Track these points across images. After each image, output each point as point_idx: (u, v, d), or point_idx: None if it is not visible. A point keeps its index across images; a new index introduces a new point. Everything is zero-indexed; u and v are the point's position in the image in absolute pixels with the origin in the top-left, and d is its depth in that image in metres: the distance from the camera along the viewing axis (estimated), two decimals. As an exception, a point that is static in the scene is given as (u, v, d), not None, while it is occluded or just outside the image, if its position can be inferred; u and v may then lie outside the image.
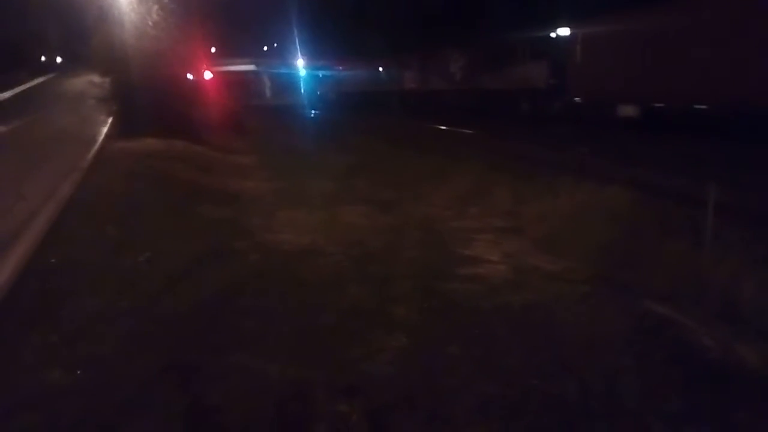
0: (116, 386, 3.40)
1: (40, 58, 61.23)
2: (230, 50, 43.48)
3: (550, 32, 20.97)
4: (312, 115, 31.01)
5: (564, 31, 20.12)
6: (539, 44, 21.77)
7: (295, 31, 41.82)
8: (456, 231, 7.06)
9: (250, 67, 43.98)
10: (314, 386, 3.37)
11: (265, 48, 51.93)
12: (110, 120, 17.32)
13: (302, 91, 42.21)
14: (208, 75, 34.66)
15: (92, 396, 3.29)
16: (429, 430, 3.04)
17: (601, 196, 7.14)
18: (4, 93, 37.53)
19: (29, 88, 42.94)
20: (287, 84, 43.56)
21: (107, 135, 15.63)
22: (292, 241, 6.62)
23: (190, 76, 22.05)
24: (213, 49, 41.57)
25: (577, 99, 18.83)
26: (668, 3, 14.61)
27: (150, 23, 15.90)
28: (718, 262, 4.79)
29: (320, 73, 43.24)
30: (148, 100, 15.22)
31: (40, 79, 49.75)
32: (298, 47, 42.67)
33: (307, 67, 43.78)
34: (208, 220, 7.39)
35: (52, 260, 5.55)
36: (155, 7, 16.00)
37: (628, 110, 15.92)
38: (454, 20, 31.09)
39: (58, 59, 65.46)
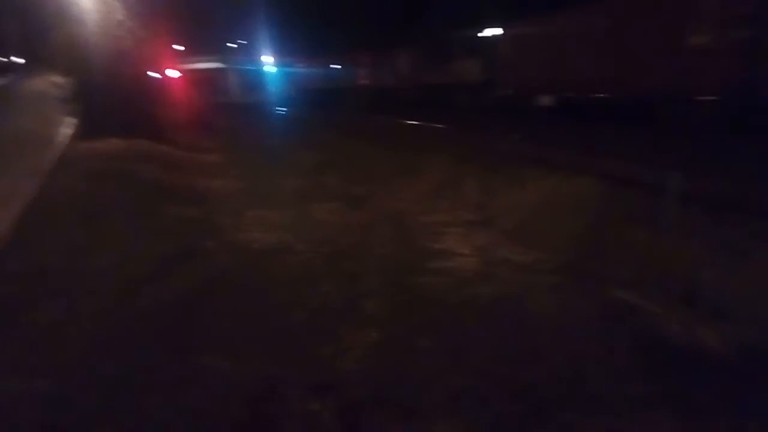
0: (81, 391, 3.33)
1: (1, 58, 59.45)
2: (196, 48, 42.77)
3: (483, 32, 23.61)
4: (278, 112, 30.85)
5: (494, 32, 22.75)
6: (474, 43, 24.27)
7: (262, 29, 41.52)
8: (418, 214, 7.10)
9: (217, 65, 43.35)
10: (285, 385, 3.36)
11: (232, 45, 51.26)
12: (73, 121, 16.89)
13: (269, 88, 41.91)
14: (174, 73, 34.14)
15: (53, 403, 3.22)
16: (402, 425, 3.05)
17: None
18: (-38, 95, 36.39)
19: (-12, 90, 41.71)
20: (254, 81, 43.10)
21: (70, 136, 15.25)
22: (262, 239, 6.57)
23: (155, 75, 21.68)
24: (179, 47, 40.96)
25: (506, 91, 21.39)
26: (574, 10, 17.28)
27: (113, 21, 15.56)
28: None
29: (286, 71, 43.38)
30: (112, 100, 14.89)
31: (0, 81, 48.38)
32: (265, 44, 42.32)
33: (274, 64, 43.55)
34: (176, 220, 7.28)
35: (13, 265, 5.41)
36: (118, 5, 15.66)
37: (546, 100, 18.81)
38: (402, 20, 33.67)
39: (18, 60, 63.68)
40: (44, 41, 17.65)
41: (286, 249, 6.19)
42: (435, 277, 5.17)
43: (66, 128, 16.61)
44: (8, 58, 61.90)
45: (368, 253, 6.00)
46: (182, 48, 41.24)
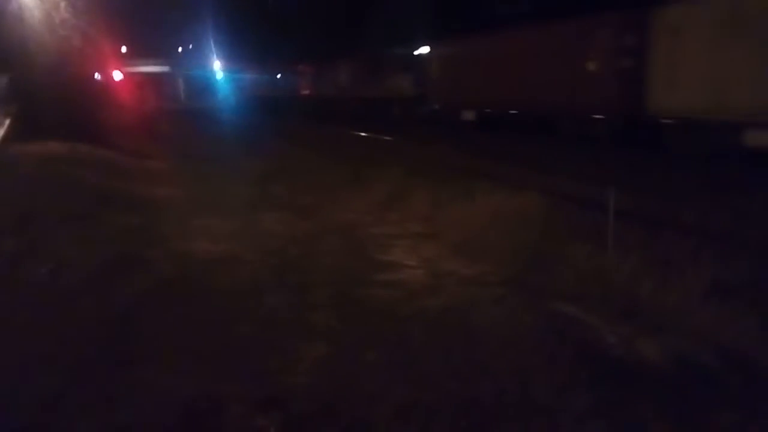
0: (12, 410, 3.17)
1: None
2: (142, 50, 41.78)
3: (414, 50, 25.55)
4: (224, 118, 30.43)
5: (424, 50, 24.75)
6: (407, 59, 26.20)
7: (211, 34, 41.08)
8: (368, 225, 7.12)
9: (164, 69, 42.41)
10: (229, 400, 3.28)
11: (180, 49, 50.22)
12: (8, 122, 16.15)
13: (217, 93, 41.34)
14: (117, 75, 33.17)
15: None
16: (349, 439, 3.03)
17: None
18: None
19: None
20: (201, 86, 42.39)
21: (3, 137, 14.57)
22: (207, 249, 6.43)
23: (98, 77, 21.03)
24: (124, 49, 39.86)
25: (435, 106, 23.26)
26: (490, 34, 19.70)
27: (55, 19, 14.99)
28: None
29: (233, 77, 43.09)
30: (51, 102, 14.31)
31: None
32: (213, 50, 41.78)
33: (222, 70, 43.02)
34: (117, 228, 7.05)
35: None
36: (61, 2, 15.11)
37: (468, 115, 20.73)
38: (343, 35, 35.76)
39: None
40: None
41: (232, 259, 6.08)
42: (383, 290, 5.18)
43: None
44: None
45: (317, 264, 5.96)
46: (128, 50, 40.21)
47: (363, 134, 19.82)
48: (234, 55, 41.42)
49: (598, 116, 14.82)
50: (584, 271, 5.09)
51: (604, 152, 13.08)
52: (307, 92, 38.54)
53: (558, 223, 6.44)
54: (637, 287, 4.62)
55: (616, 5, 14.19)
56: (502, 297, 4.86)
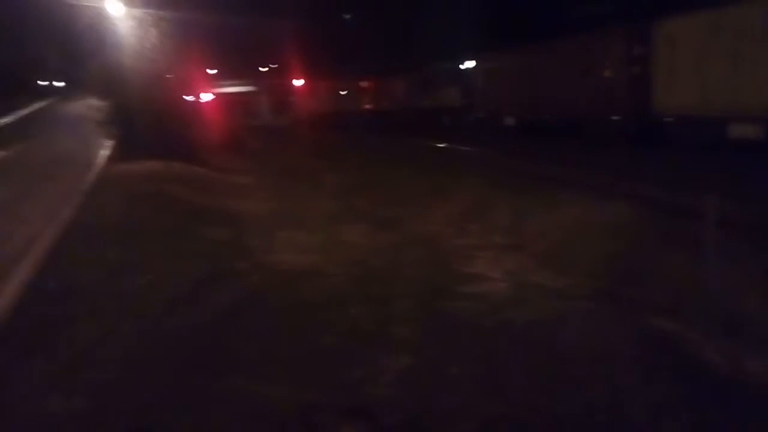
0: (119, 411, 3.36)
1: (40, 82, 61.59)
2: (228, 71, 43.73)
3: (461, 64, 28.64)
4: (302, 133, 31.38)
5: (470, 64, 27.51)
6: (455, 73, 29.30)
7: (291, 54, 42.75)
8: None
9: (249, 88, 44.19)
10: (317, 409, 3.34)
11: (264, 69, 52.25)
12: (110, 143, 17.36)
13: (296, 110, 42.83)
14: (206, 96, 34.89)
15: (93, 422, 3.26)
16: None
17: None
18: (5, 118, 37.72)
19: (30, 113, 43.13)
20: (285, 104, 43.87)
21: (108, 158, 15.65)
22: (293, 261, 6.60)
23: (189, 98, 22.20)
24: (212, 71, 41.90)
25: (480, 114, 25.69)
26: (525, 49, 21.88)
27: (148, 46, 16.01)
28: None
29: (309, 94, 44.88)
30: (147, 123, 15.27)
31: (41, 104, 49.99)
32: (295, 68, 43.25)
33: (300, 87, 44.49)
34: (209, 241, 7.38)
35: (51, 285, 5.52)
36: (153, 30, 16.13)
37: (509, 121, 23.07)
38: (399, 53, 38.55)
39: (58, 83, 65.85)
40: (83, 66, 18.21)
41: (316, 271, 6.21)
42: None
43: (103, 150, 17.07)
44: (49, 82, 64.14)
45: (399, 276, 5.97)
46: (215, 71, 42.24)
47: (430, 143, 20.53)
48: (311, 74, 43.08)
49: (615, 117, 16.62)
50: (680, 282, 4.81)
51: (636, 151, 14.41)
52: (369, 107, 41.74)
53: (648, 232, 6.14)
54: (741, 300, 4.32)
55: (627, 18, 16.85)
56: (591, 310, 4.68)
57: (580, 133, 17.80)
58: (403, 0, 38.44)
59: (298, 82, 43.91)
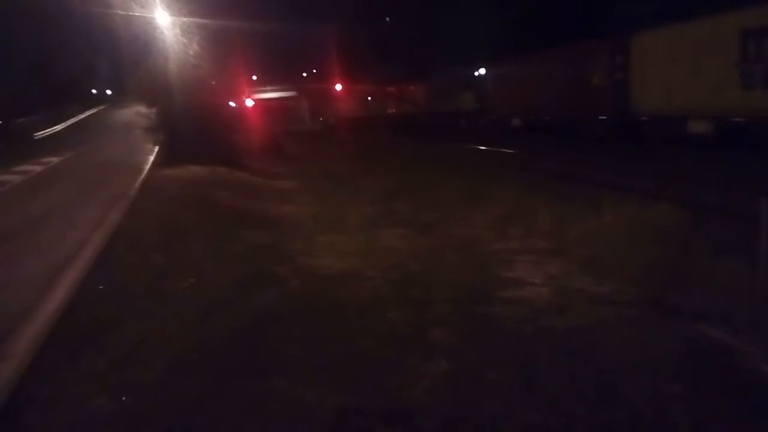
0: (160, 412, 3.44)
1: (91, 90, 63.87)
2: (270, 77, 44.48)
3: (475, 71, 31.63)
4: (338, 137, 31.71)
5: (482, 71, 30.69)
6: (470, 79, 32.37)
7: (330, 59, 43.71)
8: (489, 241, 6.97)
9: (290, 93, 44.80)
10: (355, 413, 3.34)
11: (304, 74, 52.94)
12: (156, 149, 17.85)
13: (332, 114, 43.56)
14: (249, 102, 35.53)
15: (134, 421, 3.34)
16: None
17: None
18: (59, 125, 39.27)
19: (81, 120, 44.80)
20: (324, 109, 44.42)
21: (154, 163, 16.11)
22: (332, 265, 6.64)
23: (232, 104, 22.64)
24: (254, 77, 42.66)
25: (492, 117, 28.58)
26: (528, 57, 24.60)
27: (193, 54, 16.42)
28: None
29: (346, 98, 45.88)
30: (192, 129, 15.66)
31: (92, 111, 51.89)
32: (334, 74, 43.98)
33: (340, 92, 45.18)
34: (250, 245, 7.49)
35: (100, 287, 5.71)
36: (198, 38, 16.53)
37: (516, 122, 25.84)
38: (420, 60, 41.71)
39: (108, 91, 68.19)
40: (131, 74, 18.77)
41: (355, 274, 6.22)
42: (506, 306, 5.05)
43: (150, 155, 17.57)
44: (100, 90, 66.45)
45: (437, 281, 5.94)
46: (258, 78, 43.04)
47: (456, 144, 22.38)
48: (346, 80, 44.14)
49: (602, 117, 19.10)
50: (731, 289, 4.64)
51: (637, 149, 16.31)
52: (393, 110, 44.86)
53: (693, 236, 5.95)
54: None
55: (610, 32, 19.29)
56: (635, 317, 4.56)
57: (575, 132, 20.39)
58: (424, 8, 41.43)
59: (337, 87, 44.52)
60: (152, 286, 5.73)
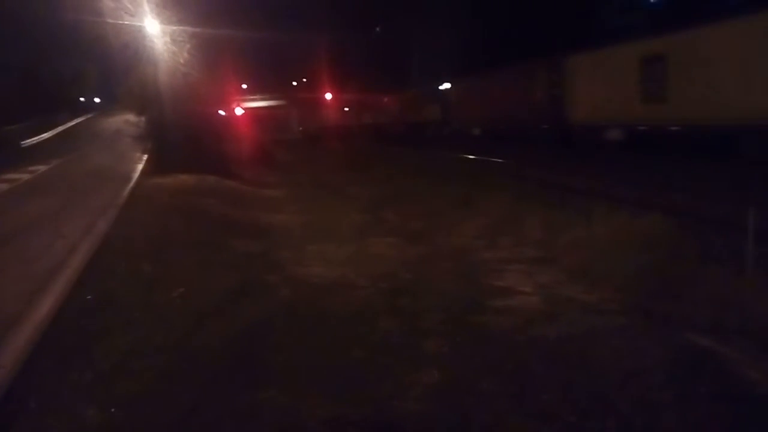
0: (149, 423, 3.40)
1: (80, 98, 63.48)
2: (260, 86, 44.54)
3: (441, 85, 35.28)
4: (323, 145, 31.83)
5: (446, 85, 34.60)
6: (436, 92, 36.09)
7: (320, 69, 44.49)
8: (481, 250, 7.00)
9: (280, 102, 44.85)
10: (346, 423, 3.33)
11: (294, 83, 53.06)
12: (145, 157, 17.78)
13: (312, 123, 43.98)
14: (238, 111, 35.51)
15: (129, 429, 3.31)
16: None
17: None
18: (47, 133, 38.99)
19: (69, 128, 44.49)
20: (312, 118, 44.62)
21: (142, 171, 16.02)
22: (322, 274, 6.62)
23: (222, 113, 22.62)
24: (244, 86, 42.67)
25: (455, 126, 32.53)
26: (485, 73, 28.89)
27: (182, 62, 16.40)
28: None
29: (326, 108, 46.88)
30: (181, 137, 15.63)
31: (80, 119, 51.57)
32: (325, 83, 44.42)
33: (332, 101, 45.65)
34: (240, 254, 7.46)
35: (88, 297, 5.65)
36: (188, 46, 16.52)
37: (476, 131, 29.50)
38: (394, 73, 46.20)
39: (96, 99, 67.84)
40: (120, 82, 18.73)
41: (345, 284, 6.21)
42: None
43: (138, 164, 17.48)
44: (88, 98, 66.11)
45: (428, 290, 5.93)
46: (248, 86, 43.05)
47: (415, 151, 24.04)
48: (332, 90, 45.05)
49: (544, 126, 22.06)
50: (718, 297, 4.68)
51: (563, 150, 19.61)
52: (368, 120, 46.96)
53: (681, 244, 6.00)
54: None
55: (548, 52, 22.22)
56: (625, 326, 4.58)
57: (526, 138, 23.33)
58: (406, 23, 45.37)
59: (327, 96, 44.86)
60: (141, 295, 5.68)
